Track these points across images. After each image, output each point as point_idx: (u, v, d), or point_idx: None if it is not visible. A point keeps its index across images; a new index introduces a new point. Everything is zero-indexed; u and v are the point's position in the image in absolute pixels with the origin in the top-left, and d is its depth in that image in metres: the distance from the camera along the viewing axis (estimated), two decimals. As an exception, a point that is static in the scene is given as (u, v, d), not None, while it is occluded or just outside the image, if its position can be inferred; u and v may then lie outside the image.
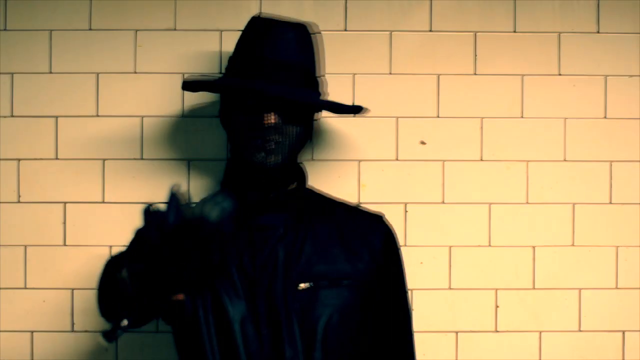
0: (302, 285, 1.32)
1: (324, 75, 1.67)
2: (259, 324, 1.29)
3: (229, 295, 1.30)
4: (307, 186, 1.47)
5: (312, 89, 1.41)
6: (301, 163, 1.49)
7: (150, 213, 1.06)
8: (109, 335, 1.15)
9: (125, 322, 1.15)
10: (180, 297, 1.16)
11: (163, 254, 1.06)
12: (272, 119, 1.32)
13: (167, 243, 1.06)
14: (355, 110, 1.50)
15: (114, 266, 1.17)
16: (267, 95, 1.31)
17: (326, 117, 1.71)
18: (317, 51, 1.46)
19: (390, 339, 1.43)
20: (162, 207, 1.06)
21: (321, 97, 1.49)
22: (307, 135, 1.42)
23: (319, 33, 1.65)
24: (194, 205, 1.10)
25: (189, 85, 1.46)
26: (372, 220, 1.46)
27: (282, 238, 1.35)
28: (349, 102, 1.71)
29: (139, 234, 1.12)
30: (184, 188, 1.70)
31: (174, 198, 1.05)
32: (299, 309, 1.30)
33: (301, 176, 1.46)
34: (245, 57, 1.38)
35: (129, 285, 1.11)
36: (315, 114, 1.49)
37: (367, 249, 1.40)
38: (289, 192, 1.41)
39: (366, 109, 1.51)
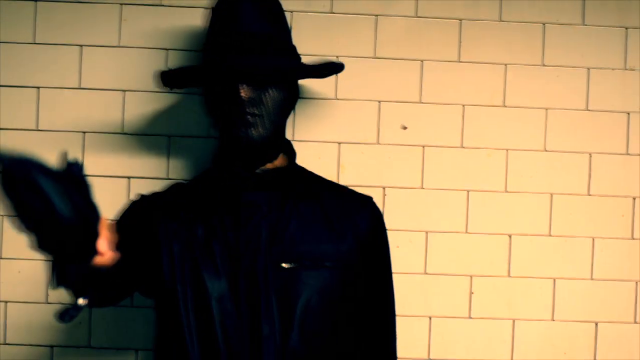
0: (285, 265, 1.31)
1: (308, 54, 1.67)
2: (239, 301, 1.29)
3: (208, 271, 1.30)
4: (293, 165, 1.46)
5: (283, 55, 1.40)
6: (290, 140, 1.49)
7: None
8: (63, 316, 1.10)
9: (81, 301, 1.12)
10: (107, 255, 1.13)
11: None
12: (243, 92, 1.32)
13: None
14: (334, 67, 1.48)
15: None
16: (236, 68, 1.31)
17: (308, 98, 1.71)
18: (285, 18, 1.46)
19: (372, 322, 1.43)
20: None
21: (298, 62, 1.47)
22: (288, 103, 1.42)
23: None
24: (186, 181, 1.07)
25: (168, 81, 1.46)
26: (359, 201, 1.45)
27: (266, 216, 1.35)
28: (331, 85, 1.71)
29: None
30: (162, 163, 1.70)
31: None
32: (280, 288, 1.30)
33: (290, 152, 1.46)
34: (215, 33, 1.38)
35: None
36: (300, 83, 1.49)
37: (351, 230, 1.39)
38: (276, 170, 1.40)
39: (342, 65, 1.50)
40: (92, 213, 1.07)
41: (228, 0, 1.39)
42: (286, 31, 1.44)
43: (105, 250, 1.12)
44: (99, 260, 1.12)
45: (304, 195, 1.41)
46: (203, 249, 1.31)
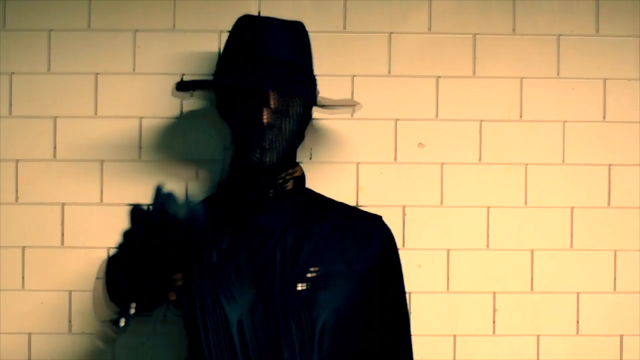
0: (300, 287, 1.32)
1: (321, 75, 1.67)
2: (256, 326, 1.29)
3: (226, 296, 1.30)
4: (304, 187, 1.46)
5: (305, 85, 1.40)
6: (300, 162, 1.49)
7: (136, 211, 1.06)
8: (118, 323, 1.13)
9: (132, 310, 1.13)
10: (173, 297, 1.14)
11: (147, 250, 1.06)
12: (265, 117, 1.31)
13: (151, 240, 1.05)
14: (349, 103, 1.49)
15: (114, 265, 1.17)
16: (263, 90, 1.31)
17: (324, 119, 1.70)
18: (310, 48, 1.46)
19: (388, 341, 1.43)
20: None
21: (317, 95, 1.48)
22: (301, 132, 1.42)
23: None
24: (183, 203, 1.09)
25: (182, 87, 1.46)
26: (370, 221, 1.45)
27: (280, 239, 1.35)
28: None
29: (126, 234, 1.11)
30: (181, 189, 1.70)
31: (158, 196, 1.05)
32: (297, 311, 1.30)
33: (300, 176, 1.45)
34: (236, 55, 1.37)
35: (121, 285, 1.11)
36: (314, 113, 1.49)
37: (365, 250, 1.39)
38: (288, 193, 1.40)
39: (357, 103, 1.51)
40: None
41: (254, 22, 1.39)
42: (306, 57, 1.44)
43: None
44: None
45: (316, 217, 1.41)
46: (219, 274, 1.32)
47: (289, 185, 1.42)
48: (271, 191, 1.38)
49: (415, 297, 1.71)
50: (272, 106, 1.32)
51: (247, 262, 1.32)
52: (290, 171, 1.42)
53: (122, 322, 1.11)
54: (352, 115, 1.72)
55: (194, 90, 1.52)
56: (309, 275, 1.33)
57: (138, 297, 1.12)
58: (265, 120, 1.31)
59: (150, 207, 1.06)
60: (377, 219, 1.46)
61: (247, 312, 1.29)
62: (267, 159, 1.33)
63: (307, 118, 1.44)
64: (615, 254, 1.73)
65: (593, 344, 1.73)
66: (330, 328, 1.31)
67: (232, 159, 1.45)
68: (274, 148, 1.34)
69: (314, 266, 1.34)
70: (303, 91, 1.38)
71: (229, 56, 1.39)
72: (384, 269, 1.42)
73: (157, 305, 1.22)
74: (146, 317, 1.66)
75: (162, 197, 1.05)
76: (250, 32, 1.37)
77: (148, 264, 1.07)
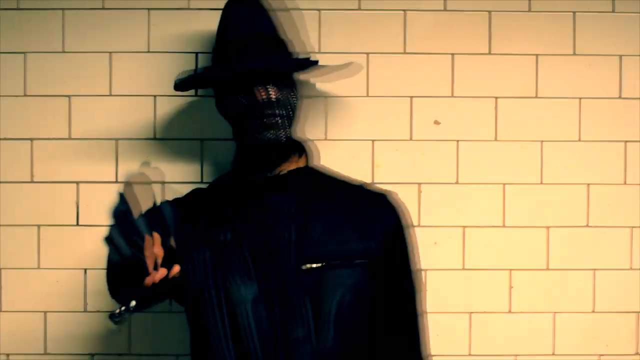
0: (314, 265, 1.32)
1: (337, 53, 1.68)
2: (271, 304, 1.29)
3: (240, 275, 1.30)
4: (310, 165, 1.46)
5: (281, 52, 1.42)
6: (307, 141, 1.48)
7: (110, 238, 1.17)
8: (116, 317, 1.15)
9: (133, 303, 1.15)
10: (176, 268, 1.19)
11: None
12: (262, 94, 1.34)
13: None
14: (304, 62, 1.48)
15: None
16: (239, 73, 1.34)
17: (339, 97, 1.70)
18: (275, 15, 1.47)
19: (395, 317, 1.42)
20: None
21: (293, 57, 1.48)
22: (295, 101, 1.41)
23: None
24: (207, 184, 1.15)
25: (179, 87, 1.48)
26: (382, 197, 1.45)
27: (292, 218, 1.35)
28: (363, 82, 1.71)
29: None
30: (196, 167, 1.70)
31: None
32: (311, 289, 1.30)
33: (308, 152, 1.46)
34: (217, 43, 1.42)
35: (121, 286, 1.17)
36: (324, 88, 1.50)
37: (377, 226, 1.39)
38: (298, 171, 1.41)
39: (352, 63, 1.55)
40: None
41: (227, 7, 1.45)
42: (271, 24, 1.45)
43: (157, 271, 1.18)
44: (149, 280, 1.17)
45: (327, 194, 1.42)
46: (232, 253, 1.31)
47: (300, 162, 1.42)
48: (277, 168, 1.38)
49: (430, 274, 1.71)
50: (262, 83, 1.34)
51: (261, 240, 1.32)
52: (292, 146, 1.42)
53: (122, 317, 1.16)
54: (367, 93, 1.71)
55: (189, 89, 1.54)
56: (323, 253, 1.33)
57: (136, 295, 1.15)
58: (262, 97, 1.34)
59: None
60: (389, 194, 1.46)
61: (261, 290, 1.29)
62: (272, 135, 1.34)
63: (294, 86, 1.44)
64: (631, 230, 1.73)
65: (609, 321, 1.73)
66: (345, 305, 1.31)
67: (236, 148, 1.46)
68: (279, 123, 1.35)
69: (328, 244, 1.34)
70: (281, 62, 1.41)
71: (215, 44, 1.44)
72: (394, 245, 1.41)
73: (157, 301, 1.24)
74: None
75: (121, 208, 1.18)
76: (223, 17, 1.43)
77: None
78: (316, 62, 1.46)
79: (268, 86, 1.35)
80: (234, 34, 1.39)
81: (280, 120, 1.35)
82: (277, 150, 1.36)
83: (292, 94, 1.40)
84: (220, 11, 1.67)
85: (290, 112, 1.39)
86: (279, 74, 1.38)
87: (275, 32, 1.44)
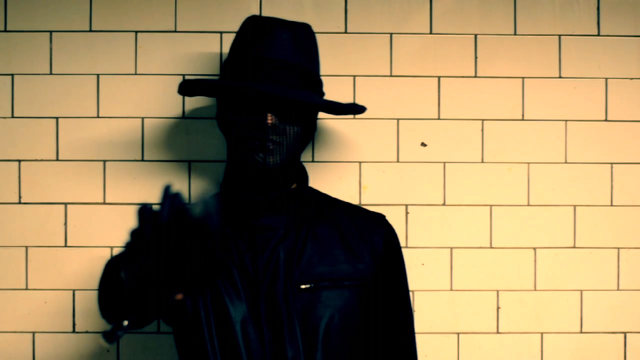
0: (303, 286, 1.32)
1: (323, 76, 1.68)
2: (261, 325, 1.29)
3: (230, 296, 1.30)
4: (303, 186, 1.45)
5: (311, 89, 1.40)
6: (303, 162, 1.48)
7: (145, 211, 1.04)
8: (109, 336, 1.14)
9: (125, 323, 1.14)
10: (180, 296, 1.12)
11: (158, 250, 1.03)
12: (270, 119, 1.31)
13: (161, 238, 1.02)
14: (354, 109, 1.47)
15: (114, 266, 1.17)
16: (268, 94, 1.30)
17: (326, 119, 1.71)
18: (318, 51, 1.45)
19: (392, 339, 1.42)
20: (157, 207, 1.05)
21: (323, 98, 1.47)
22: (307, 136, 1.42)
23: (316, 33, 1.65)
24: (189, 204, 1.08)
25: (186, 89, 1.44)
26: (373, 219, 1.45)
27: (283, 239, 1.35)
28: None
29: (133, 233, 1.09)
30: (184, 189, 1.70)
31: (167, 197, 1.04)
32: (300, 310, 1.30)
33: (303, 176, 1.45)
34: (242, 57, 1.36)
35: (127, 286, 1.09)
36: (319, 114, 1.48)
37: (368, 249, 1.39)
38: (289, 193, 1.40)
39: (364, 108, 1.48)
40: None
41: (262, 24, 1.38)
42: (317, 63, 1.44)
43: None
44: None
45: (319, 216, 1.42)
46: (222, 274, 1.31)
47: (293, 185, 1.42)
48: (273, 192, 1.38)
49: (418, 295, 1.71)
50: (277, 108, 1.32)
51: (250, 262, 1.32)
52: (293, 172, 1.41)
53: (115, 336, 1.12)
54: (354, 115, 1.72)
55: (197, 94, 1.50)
56: (312, 274, 1.33)
57: (132, 308, 1.11)
58: (269, 122, 1.31)
59: (159, 206, 1.05)
60: (380, 217, 1.46)
61: (251, 311, 1.29)
62: (271, 161, 1.33)
63: (313, 122, 1.44)
64: (618, 251, 1.74)
65: (597, 341, 1.73)
66: (334, 327, 1.31)
67: (229, 160, 1.44)
68: (278, 151, 1.33)
69: (317, 265, 1.34)
70: (309, 96, 1.37)
71: (235, 58, 1.38)
72: (386, 268, 1.41)
73: (149, 320, 1.22)
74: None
75: (170, 197, 1.04)
76: (256, 33, 1.37)
77: (157, 263, 1.05)
78: (358, 112, 1.47)
79: (283, 115, 1.33)
80: (271, 54, 1.34)
81: (281, 148, 1.33)
82: (272, 174, 1.35)
83: (308, 129, 1.40)
84: (207, 33, 1.71)
85: (297, 144, 1.37)
86: (304, 109, 1.37)
87: (314, 70, 1.41)
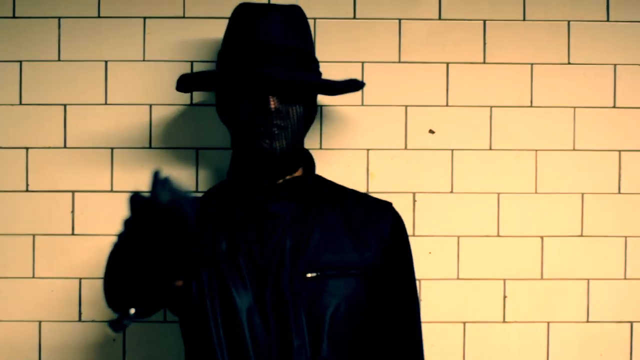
0: (310, 275, 1.31)
1: (331, 62, 1.68)
2: (266, 314, 1.28)
3: (235, 284, 1.29)
4: (311, 174, 1.45)
5: (310, 69, 1.39)
6: (310, 149, 1.48)
7: (134, 199, 1.02)
8: (116, 325, 1.13)
9: (132, 311, 1.14)
10: (179, 283, 1.11)
11: (148, 237, 1.02)
12: (273, 103, 1.30)
13: (151, 224, 1.01)
14: (355, 85, 1.46)
15: (119, 254, 1.16)
16: (272, 79, 1.29)
17: (334, 105, 1.70)
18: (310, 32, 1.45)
19: (398, 328, 1.42)
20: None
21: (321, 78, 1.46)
22: (309, 117, 1.41)
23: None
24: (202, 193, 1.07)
25: (184, 85, 1.43)
26: (380, 208, 1.44)
27: (290, 227, 1.34)
28: (357, 92, 1.70)
29: (125, 222, 1.08)
30: (191, 176, 1.70)
31: (157, 182, 1.00)
32: (307, 299, 1.29)
33: (309, 162, 1.45)
34: (238, 42, 1.36)
35: (129, 273, 1.09)
36: (319, 97, 1.47)
37: (374, 237, 1.39)
38: (296, 180, 1.39)
39: (363, 83, 1.47)
40: None
41: (253, 9, 1.38)
42: (311, 43, 1.43)
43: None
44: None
45: (326, 204, 1.41)
46: (229, 263, 1.31)
47: (299, 172, 1.41)
48: (280, 179, 1.37)
49: (425, 284, 1.71)
50: (278, 92, 1.31)
51: (256, 250, 1.32)
52: (299, 157, 1.41)
53: (122, 325, 1.12)
54: (362, 102, 1.71)
55: (195, 90, 1.49)
56: (319, 263, 1.33)
57: (137, 296, 1.11)
58: (272, 106, 1.30)
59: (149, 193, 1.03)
60: (387, 205, 1.45)
61: (256, 300, 1.29)
62: (277, 146, 1.32)
63: (314, 103, 1.43)
64: (625, 240, 1.73)
65: (603, 330, 1.73)
66: (340, 316, 1.31)
67: (234, 148, 1.44)
68: (283, 135, 1.33)
69: (324, 254, 1.34)
70: (308, 76, 1.37)
71: (230, 47, 1.38)
72: (393, 256, 1.41)
73: (155, 309, 1.22)
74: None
75: (159, 183, 1.01)
76: (249, 19, 1.36)
77: (150, 251, 1.03)
78: (358, 88, 1.47)
79: (285, 98, 1.32)
80: (264, 37, 1.33)
81: (286, 133, 1.33)
82: (278, 160, 1.35)
83: (309, 110, 1.39)
84: (216, 19, 1.70)
85: (301, 127, 1.37)
86: (305, 90, 1.37)
87: (310, 50, 1.41)
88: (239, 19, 1.38)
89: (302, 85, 1.36)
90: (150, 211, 1.00)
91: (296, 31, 1.37)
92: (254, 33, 1.33)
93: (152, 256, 1.03)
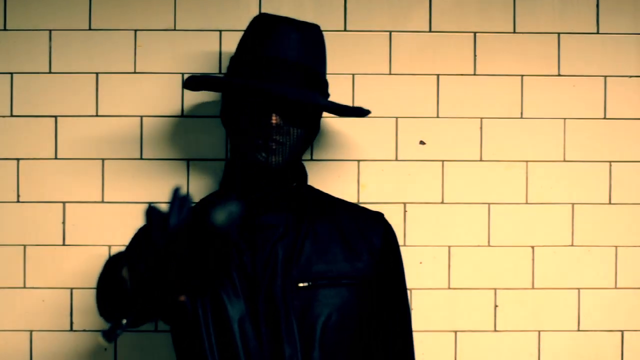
0: (302, 284, 1.32)
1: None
2: (258, 323, 1.29)
3: (227, 294, 1.30)
4: (303, 185, 1.46)
5: (318, 90, 1.40)
6: (302, 160, 1.49)
7: (153, 213, 1.03)
8: (108, 335, 1.13)
9: (124, 321, 1.14)
10: (182, 298, 1.11)
11: (165, 256, 1.03)
12: (275, 119, 1.31)
13: (169, 245, 1.02)
14: (359, 112, 1.48)
15: (114, 265, 1.16)
16: (273, 94, 1.30)
17: (326, 117, 1.71)
18: (325, 53, 1.46)
19: (390, 337, 1.43)
20: (165, 207, 1.04)
21: (328, 99, 1.47)
22: (310, 137, 1.42)
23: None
24: (193, 205, 1.07)
25: (192, 83, 1.43)
26: (371, 218, 1.45)
27: (282, 237, 1.35)
28: (348, 103, 1.71)
29: (140, 233, 1.08)
30: (184, 189, 1.70)
31: (176, 199, 1.03)
32: (298, 308, 1.30)
33: (302, 175, 1.45)
34: (251, 56, 1.37)
35: (129, 285, 1.08)
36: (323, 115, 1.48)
37: (366, 247, 1.40)
38: (289, 191, 1.40)
39: (369, 111, 1.49)
40: None
41: (266, 22, 1.39)
42: (324, 66, 1.44)
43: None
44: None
45: (318, 215, 1.42)
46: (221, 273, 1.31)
47: (293, 184, 1.42)
48: (274, 191, 1.38)
49: (416, 293, 1.72)
50: (282, 109, 1.32)
51: (248, 260, 1.32)
52: (294, 172, 1.42)
53: (114, 334, 1.11)
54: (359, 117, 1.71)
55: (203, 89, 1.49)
56: (311, 273, 1.33)
57: (134, 308, 1.10)
58: (274, 122, 1.31)
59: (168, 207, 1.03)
60: (379, 215, 1.46)
61: (248, 309, 1.29)
62: (273, 160, 1.33)
63: (317, 123, 1.44)
64: (616, 250, 1.74)
65: (594, 339, 1.74)
66: (332, 325, 1.31)
67: (230, 158, 1.44)
68: (281, 151, 1.34)
69: (316, 264, 1.34)
70: (315, 97, 1.37)
71: (244, 56, 1.39)
72: (385, 266, 1.42)
73: (148, 319, 1.21)
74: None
75: (180, 199, 1.02)
76: (266, 32, 1.37)
77: (164, 268, 1.03)
78: (363, 115, 1.48)
79: (291, 116, 1.34)
80: (282, 54, 1.34)
81: (284, 149, 1.34)
82: (273, 173, 1.36)
83: (309, 129, 1.40)
84: (207, 32, 1.71)
85: (301, 146, 1.38)
86: (313, 111, 1.38)
87: (323, 72, 1.42)
88: (257, 30, 1.39)
89: (309, 106, 1.37)
90: (195, 232, 1.00)
91: (312, 51, 1.39)
92: (270, 49, 1.34)
93: (184, 275, 1.03)
